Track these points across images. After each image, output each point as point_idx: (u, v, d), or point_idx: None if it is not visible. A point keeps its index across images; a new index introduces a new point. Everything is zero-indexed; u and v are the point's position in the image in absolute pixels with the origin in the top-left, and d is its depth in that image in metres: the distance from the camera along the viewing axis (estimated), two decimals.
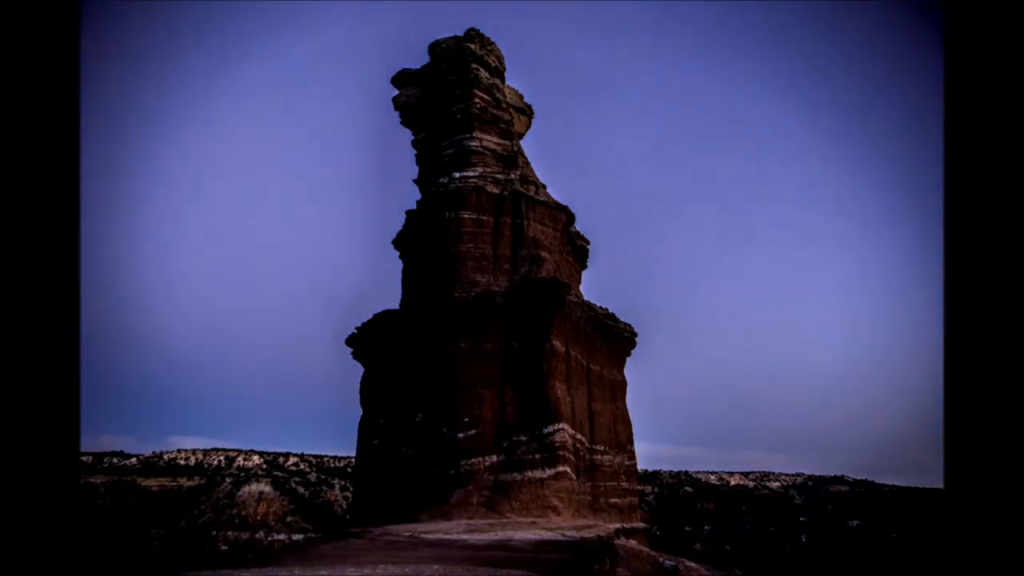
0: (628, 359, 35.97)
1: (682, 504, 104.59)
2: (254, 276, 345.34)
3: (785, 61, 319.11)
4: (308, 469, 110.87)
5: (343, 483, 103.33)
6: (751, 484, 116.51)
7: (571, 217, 35.55)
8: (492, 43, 37.01)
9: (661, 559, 27.96)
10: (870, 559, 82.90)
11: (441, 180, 33.30)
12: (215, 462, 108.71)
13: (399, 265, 34.89)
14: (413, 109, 36.86)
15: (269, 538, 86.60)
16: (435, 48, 36.93)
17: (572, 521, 26.14)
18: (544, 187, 35.64)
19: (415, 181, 36.61)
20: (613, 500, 31.62)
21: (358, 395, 33.19)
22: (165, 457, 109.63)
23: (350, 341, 33.95)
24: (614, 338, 34.32)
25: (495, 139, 34.72)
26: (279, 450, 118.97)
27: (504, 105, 36.02)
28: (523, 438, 27.93)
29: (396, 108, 37.43)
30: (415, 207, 35.03)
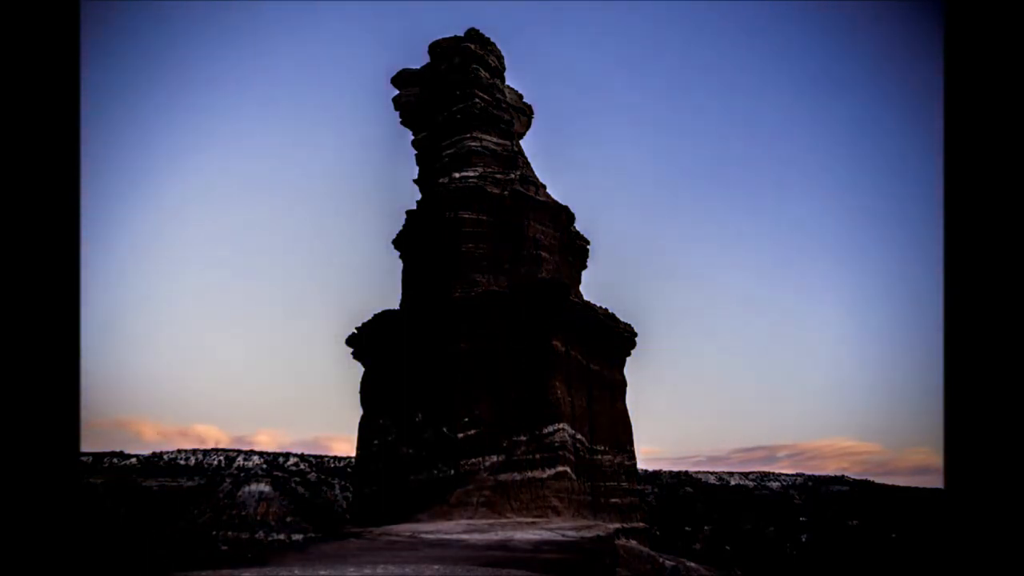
0: (628, 359, 35.96)
1: (682, 504, 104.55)
2: (254, 275, 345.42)
3: (785, 61, 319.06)
4: (308, 469, 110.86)
5: (343, 483, 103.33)
6: (751, 484, 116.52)
7: (571, 217, 35.53)
8: (492, 43, 37.01)
9: (661, 559, 27.97)
10: (870, 559, 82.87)
11: (441, 180, 33.29)
12: (215, 462, 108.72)
13: (399, 265, 34.89)
14: (413, 109, 36.85)
15: (269, 538, 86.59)
16: (435, 48, 36.92)
17: (572, 521, 26.12)
18: (544, 187, 35.62)
19: (415, 181, 36.61)
20: (613, 500, 31.62)
21: (358, 395, 33.19)
22: (165, 457, 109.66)
23: (350, 341, 33.93)
24: (614, 338, 34.30)
25: (495, 139, 34.71)
26: (279, 450, 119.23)
27: (504, 105, 36.01)
28: (523, 438, 27.92)
29: (396, 108, 37.42)
30: (415, 207, 35.03)
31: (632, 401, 35.63)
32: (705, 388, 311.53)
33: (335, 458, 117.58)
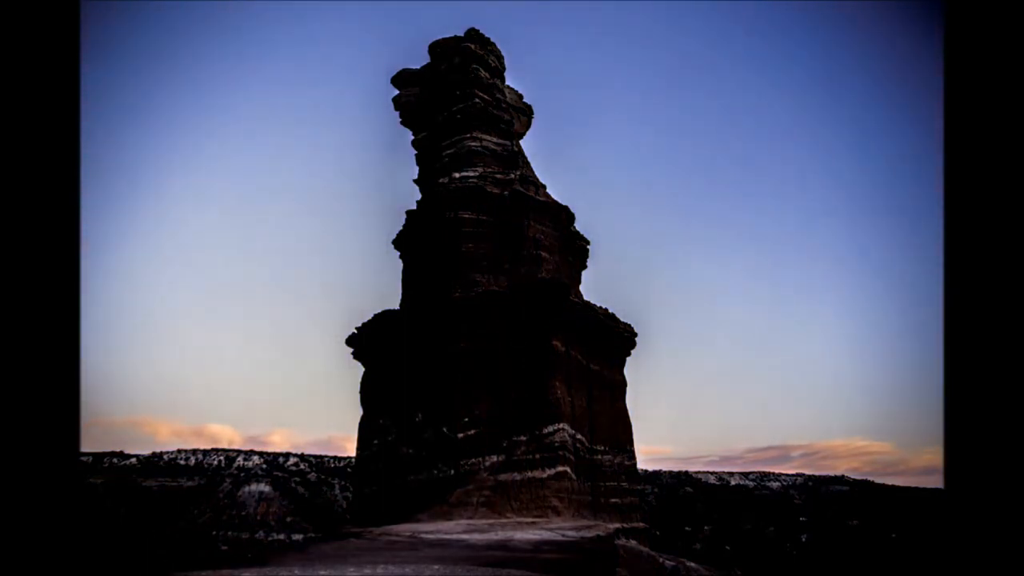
0: (628, 359, 35.96)
1: (682, 504, 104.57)
2: (254, 275, 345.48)
3: (786, 60, 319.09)
4: (308, 469, 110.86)
5: (343, 483, 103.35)
6: (751, 484, 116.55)
7: (571, 217, 35.52)
8: (492, 43, 37.00)
9: (661, 559, 27.97)
10: (870, 559, 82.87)
11: (441, 180, 33.28)
12: (215, 462, 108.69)
13: (399, 265, 34.88)
14: (413, 109, 36.84)
15: (269, 538, 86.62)
16: (435, 48, 36.92)
17: (572, 521, 26.12)
18: (544, 187, 35.62)
19: (415, 181, 36.60)
20: (613, 500, 31.62)
21: (358, 395, 33.18)
22: (165, 457, 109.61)
23: (350, 341, 33.92)
24: (614, 338, 34.30)
25: (495, 139, 34.70)
26: (279, 450, 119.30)
27: (504, 105, 36.01)
28: (523, 438, 27.91)
29: (396, 108, 37.41)
30: (415, 207, 35.02)
31: (633, 401, 35.66)
32: (709, 388, 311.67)
33: (335, 458, 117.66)
